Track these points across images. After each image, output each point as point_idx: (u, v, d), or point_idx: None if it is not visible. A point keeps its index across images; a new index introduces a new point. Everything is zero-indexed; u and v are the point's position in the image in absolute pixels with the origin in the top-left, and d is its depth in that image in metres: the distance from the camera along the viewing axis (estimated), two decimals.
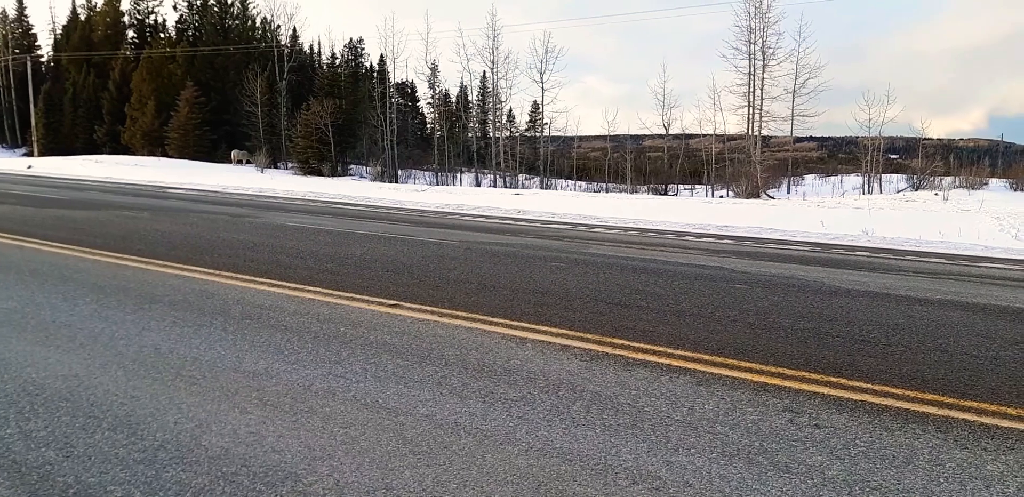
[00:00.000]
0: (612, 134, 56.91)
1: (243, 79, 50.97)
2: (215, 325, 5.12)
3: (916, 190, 39.57)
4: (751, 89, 42.80)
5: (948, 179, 43.15)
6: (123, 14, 63.17)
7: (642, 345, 4.92)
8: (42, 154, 52.72)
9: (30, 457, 2.99)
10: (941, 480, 3.02)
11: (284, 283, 6.69)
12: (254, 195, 22.19)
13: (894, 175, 50.96)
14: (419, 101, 67.80)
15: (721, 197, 39.10)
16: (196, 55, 54.92)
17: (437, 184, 45.68)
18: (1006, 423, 3.70)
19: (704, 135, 53.62)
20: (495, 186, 46.58)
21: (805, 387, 4.16)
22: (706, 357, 4.69)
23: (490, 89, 55.90)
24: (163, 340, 4.72)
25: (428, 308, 5.85)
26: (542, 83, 50.35)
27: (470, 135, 61.03)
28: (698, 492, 2.84)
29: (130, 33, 63.46)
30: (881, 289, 7.65)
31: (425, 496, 2.74)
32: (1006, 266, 10.45)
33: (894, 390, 4.15)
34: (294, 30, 59.40)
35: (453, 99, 61.83)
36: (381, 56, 58.18)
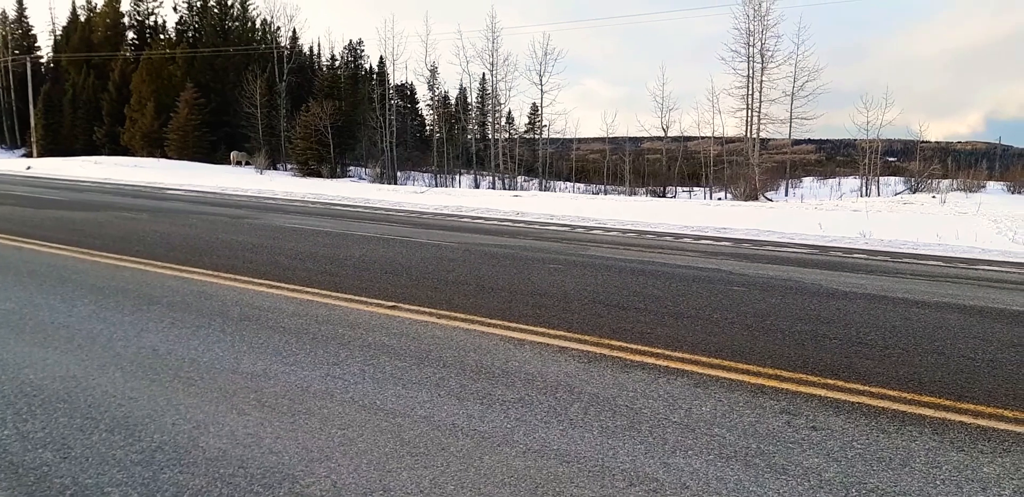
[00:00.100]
0: (611, 136, 57.05)
1: (243, 81, 50.98)
2: (213, 326, 5.12)
3: (914, 193, 39.63)
4: (750, 92, 42.89)
5: (946, 182, 43.21)
6: (123, 15, 63.20)
7: (640, 347, 4.93)
8: (41, 155, 52.68)
9: (27, 458, 2.99)
10: (938, 482, 3.03)
11: (283, 284, 6.70)
12: (253, 196, 22.19)
13: (892, 178, 51.05)
14: (418, 103, 67.92)
15: (719, 199, 39.13)
16: (196, 56, 54.93)
17: (436, 186, 45.70)
18: (1003, 425, 3.70)
19: (702, 137, 53.79)
20: (494, 188, 46.61)
21: (802, 389, 4.17)
22: (704, 359, 4.70)
23: (489, 91, 56.00)
24: (161, 341, 4.72)
25: (426, 310, 5.85)
26: (541, 85, 50.47)
27: (469, 137, 61.10)
28: (695, 494, 2.85)
29: (130, 34, 63.48)
30: (878, 291, 7.66)
31: None
32: (1003, 269, 10.46)
33: (891, 392, 4.16)
34: (294, 32, 59.46)
35: (452, 101, 61.95)
36: (381, 58, 58.31)
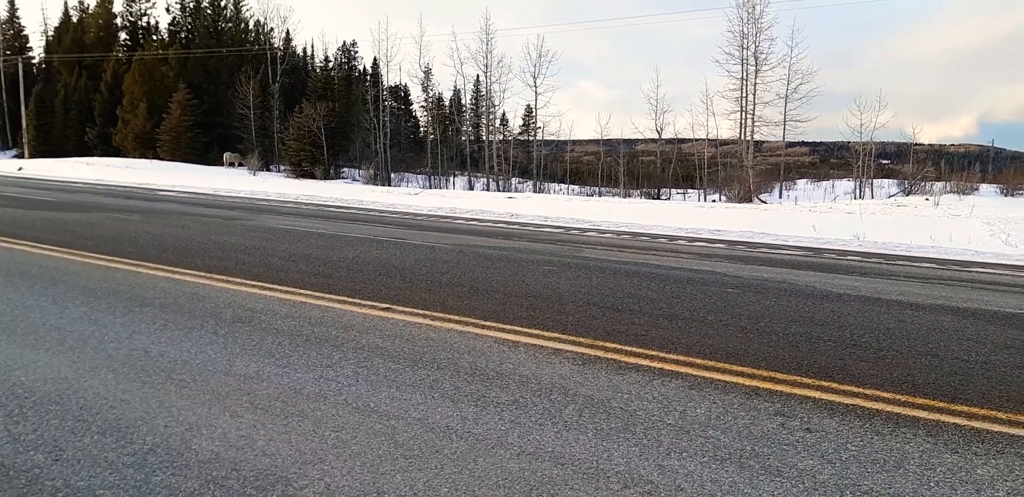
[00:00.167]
0: (605, 138, 57.12)
1: (236, 82, 50.87)
2: (206, 328, 5.10)
3: (907, 195, 39.78)
4: (744, 94, 43.01)
5: (939, 184, 43.38)
6: (115, 16, 62.96)
7: (634, 349, 4.92)
8: (33, 156, 52.46)
9: (19, 460, 2.96)
10: (931, 484, 3.03)
11: (276, 286, 6.67)
12: (246, 198, 22.13)
13: (885, 180, 51.24)
14: (412, 104, 67.84)
15: (713, 201, 39.17)
16: (189, 57, 54.79)
17: (430, 187, 45.71)
18: (996, 427, 3.71)
19: (697, 140, 53.80)
20: (488, 190, 46.59)
21: (797, 391, 4.17)
22: (698, 361, 4.70)
23: (483, 93, 56.00)
24: (153, 343, 4.70)
25: (420, 311, 5.84)
26: (535, 87, 50.52)
27: (463, 139, 61.04)
28: (690, 496, 2.84)
29: (122, 35, 63.27)
30: (872, 294, 7.67)
31: None
32: (997, 271, 10.49)
33: (885, 394, 4.16)
34: (287, 33, 59.28)
35: (446, 102, 61.84)
36: (375, 59, 58.15)
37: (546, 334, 5.25)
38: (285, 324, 5.30)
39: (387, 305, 6.03)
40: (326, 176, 47.12)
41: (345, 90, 55.75)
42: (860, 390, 4.22)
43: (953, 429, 3.67)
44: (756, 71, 42.56)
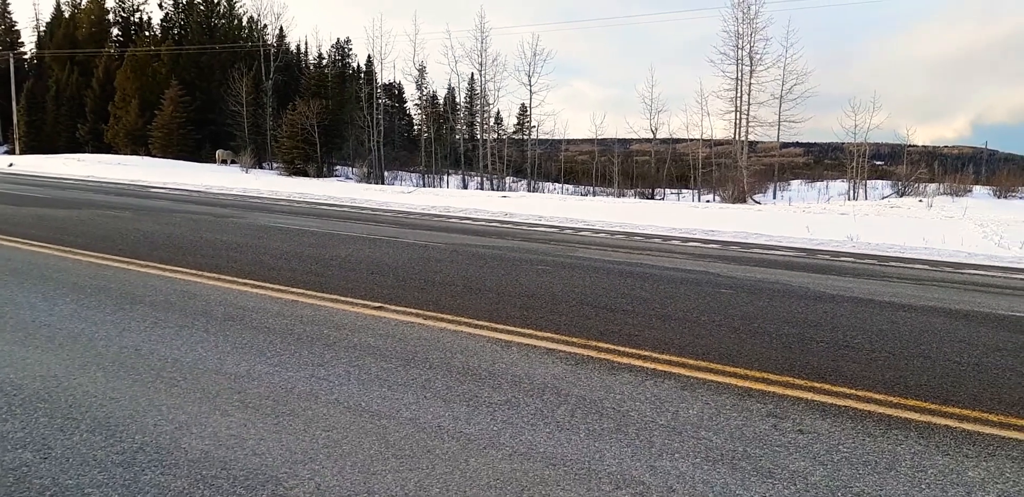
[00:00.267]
0: (600, 138, 57.13)
1: (229, 78, 50.70)
2: (197, 326, 5.08)
3: (901, 196, 39.87)
4: (738, 94, 43.05)
5: (932, 186, 43.49)
6: (108, 12, 62.73)
7: (627, 349, 4.92)
8: (24, 152, 52.19)
9: (6, 458, 2.94)
10: (923, 486, 3.03)
11: (267, 284, 6.65)
12: (238, 195, 22.06)
13: (879, 181, 51.34)
14: (406, 102, 67.79)
15: (707, 202, 39.24)
16: (181, 54, 54.60)
17: (424, 186, 45.61)
18: (987, 430, 3.72)
19: (691, 140, 53.95)
20: (482, 188, 46.58)
21: (789, 392, 4.17)
22: (691, 362, 4.70)
23: (478, 91, 55.97)
24: (144, 341, 4.67)
25: (413, 311, 5.82)
26: (530, 86, 50.47)
27: (457, 137, 60.99)
28: None
29: (115, 31, 63.05)
30: (865, 295, 7.69)
31: None
32: (989, 273, 10.53)
33: (877, 396, 4.17)
34: (281, 30, 59.19)
35: (441, 101, 61.89)
36: (368, 57, 58.13)
37: (539, 334, 5.24)
38: (277, 322, 5.28)
39: (379, 304, 6.01)
40: (319, 174, 47.00)
41: (339, 88, 55.65)
42: (852, 391, 4.23)
43: (944, 431, 3.68)
44: (751, 71, 42.63)
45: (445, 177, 53.75)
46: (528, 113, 55.32)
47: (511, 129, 61.86)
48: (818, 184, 59.44)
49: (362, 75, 59.34)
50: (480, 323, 5.49)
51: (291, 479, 2.84)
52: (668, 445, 3.33)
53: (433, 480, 2.88)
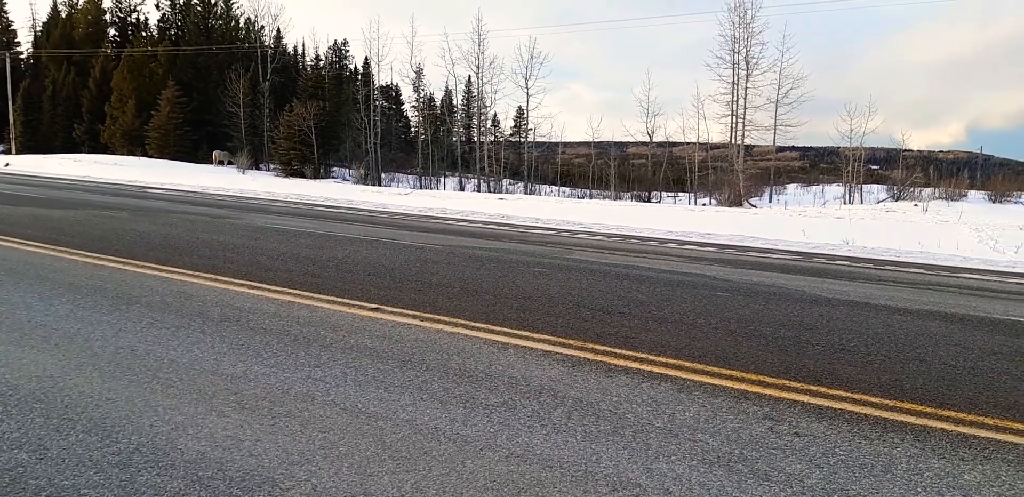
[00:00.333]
0: (596, 141, 57.19)
1: (226, 79, 50.64)
2: (193, 327, 5.07)
3: (896, 201, 39.93)
4: (734, 98, 43.13)
5: (928, 190, 43.55)
6: (104, 12, 62.60)
7: (624, 351, 4.92)
8: (20, 152, 52.08)
9: (2, 459, 2.93)
10: (919, 489, 3.03)
11: (264, 285, 6.64)
12: (235, 196, 22.04)
13: (875, 185, 51.42)
14: (403, 104, 67.74)
15: (704, 205, 39.28)
16: (178, 54, 54.53)
17: (421, 188, 45.65)
18: (983, 433, 3.72)
19: (688, 143, 53.95)
20: (479, 191, 46.58)
21: (785, 395, 4.17)
22: (687, 364, 4.70)
23: (475, 93, 56.01)
24: (140, 341, 4.66)
25: (410, 312, 5.82)
26: (527, 88, 50.51)
27: (454, 139, 61.02)
28: None
29: (111, 31, 62.92)
30: (861, 298, 7.70)
31: None
32: (984, 277, 10.56)
33: (873, 399, 4.17)
34: (278, 31, 59.16)
35: (438, 103, 61.83)
36: (366, 59, 58.18)
37: (536, 336, 5.24)
38: (273, 323, 5.27)
39: (376, 305, 6.00)
40: (316, 175, 46.97)
41: (336, 89, 55.63)
42: (848, 394, 4.23)
43: (940, 434, 3.68)
44: (747, 75, 42.73)
45: (442, 179, 53.77)
46: (525, 116, 55.34)
47: (508, 131, 61.88)
48: (814, 188, 59.49)
49: (359, 77, 59.31)
50: (477, 325, 5.49)
51: (287, 480, 2.84)
52: (664, 447, 3.33)
53: (430, 482, 2.88)
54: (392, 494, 2.76)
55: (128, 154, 49.49)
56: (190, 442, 3.15)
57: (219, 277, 6.94)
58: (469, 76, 57.87)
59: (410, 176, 53.49)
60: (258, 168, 50.96)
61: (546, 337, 5.22)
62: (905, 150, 52.65)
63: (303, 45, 65.74)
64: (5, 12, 69.83)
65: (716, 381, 4.38)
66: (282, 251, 9.11)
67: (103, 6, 62.39)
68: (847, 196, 45.84)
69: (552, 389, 4.08)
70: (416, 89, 56.82)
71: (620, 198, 46.16)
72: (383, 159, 52.04)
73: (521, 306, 6.34)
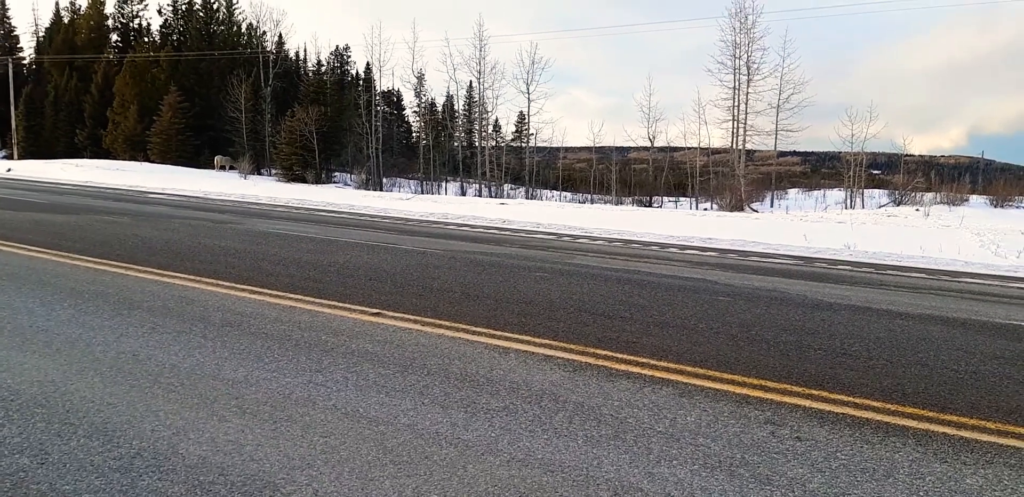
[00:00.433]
0: (598, 146, 57.19)
1: (227, 85, 50.80)
2: (195, 332, 5.07)
3: (898, 205, 39.96)
4: (736, 103, 43.22)
5: (929, 195, 43.61)
6: (107, 18, 62.83)
7: (625, 356, 4.92)
8: (22, 157, 52.23)
9: (3, 464, 2.93)
10: (921, 493, 3.03)
11: (265, 290, 6.64)
12: (237, 201, 22.06)
13: (876, 190, 51.45)
14: (405, 110, 67.96)
15: (705, 210, 39.30)
16: (180, 60, 54.70)
17: (422, 193, 45.68)
18: (985, 437, 3.72)
19: (689, 148, 54.02)
20: (480, 195, 46.59)
21: (787, 400, 4.17)
22: (689, 369, 4.70)
23: (476, 99, 56.14)
24: (141, 346, 4.66)
25: (411, 317, 5.82)
26: (528, 94, 50.59)
27: (456, 144, 61.07)
28: None
29: (114, 37, 63.16)
30: (863, 303, 7.70)
31: None
32: (986, 281, 10.55)
33: (875, 403, 4.17)
34: (280, 37, 59.35)
35: (439, 108, 61.96)
36: (367, 64, 58.36)
37: (537, 340, 5.24)
38: (275, 328, 5.27)
39: (377, 310, 6.00)
40: (317, 180, 47.04)
41: (337, 94, 55.76)
42: (850, 399, 4.23)
43: (942, 438, 3.68)
44: (748, 80, 42.82)
45: (443, 184, 53.83)
46: (526, 121, 55.46)
47: (509, 137, 62.00)
48: (815, 193, 59.55)
49: (361, 82, 59.48)
50: (478, 329, 5.49)
51: (289, 485, 2.84)
52: (666, 452, 3.32)
53: (431, 486, 2.88)
54: None
55: (130, 159, 49.60)
56: (191, 447, 3.15)
57: (221, 282, 6.94)
58: (470, 81, 58.01)
59: (411, 181, 53.56)
60: (260, 173, 51.05)
61: (547, 342, 5.22)
62: (906, 155, 52.78)
63: (305, 50, 65.88)
64: (8, 18, 70.19)
65: (717, 386, 4.37)
66: (284, 256, 9.12)
67: (105, 12, 62.64)
68: (848, 201, 45.87)
69: (553, 394, 4.08)
70: (417, 94, 56.96)
71: (621, 203, 46.19)
72: (384, 164, 52.12)
73: (522, 311, 6.34)
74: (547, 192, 55.59)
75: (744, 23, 41.99)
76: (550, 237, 14.82)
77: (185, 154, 50.75)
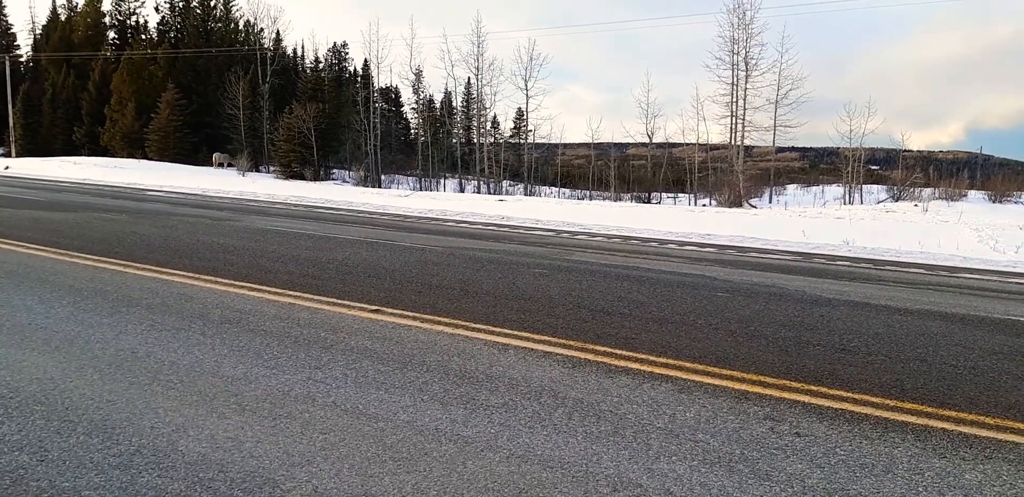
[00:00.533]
0: (596, 142, 57.16)
1: (225, 82, 50.68)
2: (194, 329, 5.07)
3: (896, 201, 39.92)
4: (734, 99, 43.16)
5: (928, 190, 43.53)
6: (104, 15, 62.60)
7: (624, 352, 4.92)
8: (20, 155, 52.10)
9: (3, 461, 2.93)
10: (920, 489, 3.03)
11: (264, 287, 6.64)
12: (235, 198, 22.04)
13: (875, 186, 51.40)
14: (403, 106, 67.86)
15: (704, 206, 39.28)
16: (178, 57, 54.56)
17: (421, 189, 45.66)
18: (984, 432, 3.72)
19: (687, 144, 53.94)
20: (479, 192, 46.59)
21: (786, 395, 4.17)
22: (688, 365, 4.70)
23: (475, 95, 56.03)
24: (140, 344, 4.66)
25: (410, 314, 5.82)
26: (527, 90, 50.53)
27: (454, 141, 61.03)
28: None
29: (111, 34, 62.92)
30: (862, 299, 7.70)
31: None
32: (985, 277, 10.56)
33: (874, 399, 4.17)
34: (277, 33, 59.17)
35: (437, 105, 61.82)
36: (365, 61, 58.18)
37: (536, 337, 5.24)
38: (274, 325, 5.27)
39: (377, 307, 6.00)
40: (316, 177, 46.98)
41: (335, 91, 55.66)
42: (849, 394, 4.23)
43: (941, 434, 3.68)
44: (747, 76, 42.76)
45: (442, 181, 53.79)
46: (525, 117, 55.35)
47: (508, 133, 61.86)
48: (814, 188, 59.45)
49: (359, 79, 59.35)
50: (477, 326, 5.49)
51: (288, 481, 2.84)
52: (665, 448, 3.33)
53: (430, 482, 2.88)
54: (393, 495, 2.76)
55: (128, 157, 49.50)
56: (191, 444, 3.15)
57: (219, 279, 6.94)
58: (469, 78, 57.89)
59: (410, 178, 53.52)
60: (258, 170, 50.98)
61: (546, 338, 5.22)
62: (905, 150, 52.66)
63: (302, 47, 65.69)
64: (4, 15, 69.87)
65: (716, 381, 4.38)
66: (282, 253, 9.12)
67: (102, 9, 62.40)
68: (847, 196, 45.85)
69: (553, 390, 4.08)
70: (416, 91, 56.91)
71: (620, 199, 46.15)
72: (383, 161, 52.07)
73: (521, 307, 6.34)
74: (546, 188, 55.55)
75: (742, 19, 41.92)
76: (549, 233, 14.81)
77: (183, 151, 50.63)
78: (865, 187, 48.32)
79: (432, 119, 58.73)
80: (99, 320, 5.21)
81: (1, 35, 69.46)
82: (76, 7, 64.56)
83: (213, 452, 3.07)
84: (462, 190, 49.19)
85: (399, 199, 25.58)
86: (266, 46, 56.94)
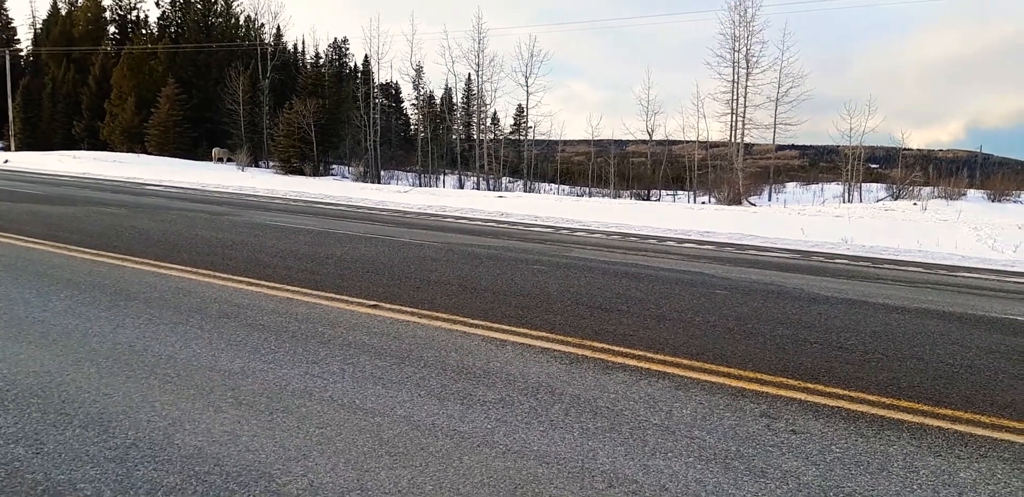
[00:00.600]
0: (596, 139, 57.20)
1: (225, 77, 50.67)
2: (191, 323, 5.07)
3: (895, 199, 39.93)
4: (734, 97, 43.18)
5: (927, 189, 43.51)
6: (104, 9, 62.59)
7: (622, 349, 4.92)
8: (19, 149, 52.07)
9: None
10: (915, 487, 3.04)
11: (262, 282, 6.64)
12: (234, 193, 22.02)
13: (874, 184, 51.42)
14: (403, 102, 67.79)
15: (703, 203, 39.26)
16: (178, 52, 54.52)
17: (420, 185, 45.63)
18: (979, 431, 3.73)
19: (687, 142, 53.94)
20: (478, 188, 46.59)
21: (782, 393, 4.18)
22: (685, 362, 4.70)
23: (475, 91, 56.06)
24: (138, 337, 4.66)
25: (408, 309, 5.82)
26: (527, 87, 50.55)
27: (454, 137, 61.02)
28: (674, 496, 2.84)
29: (111, 28, 62.94)
30: (859, 297, 7.71)
31: None
32: (983, 276, 10.56)
33: (870, 397, 4.18)
34: (278, 29, 59.20)
35: (437, 101, 61.82)
36: (365, 56, 58.27)
37: (534, 333, 5.24)
38: (271, 320, 5.27)
39: (375, 302, 6.00)
40: (315, 173, 46.97)
41: (336, 87, 55.62)
42: (845, 392, 4.24)
43: (937, 432, 3.69)
44: (747, 74, 42.79)
45: (441, 177, 53.78)
46: (525, 114, 55.37)
47: (508, 130, 61.94)
48: (813, 187, 59.49)
49: (359, 75, 59.35)
50: (475, 322, 5.49)
51: (284, 475, 2.84)
52: (661, 444, 3.33)
53: (426, 477, 2.88)
54: (389, 489, 2.77)
55: (127, 151, 49.43)
56: (187, 437, 3.15)
57: (217, 273, 6.94)
58: (469, 74, 57.95)
59: (409, 174, 53.52)
60: (257, 165, 50.98)
61: (544, 334, 5.22)
62: (904, 149, 52.67)
63: (303, 43, 65.87)
64: (5, 10, 69.80)
65: (713, 378, 4.38)
66: (281, 248, 9.11)
67: (103, 4, 62.42)
68: (846, 195, 45.87)
69: (550, 386, 4.09)
70: (416, 87, 56.91)
71: (619, 196, 46.18)
72: (383, 157, 52.06)
73: (519, 303, 6.34)
74: (545, 185, 55.56)
75: (743, 16, 41.96)
76: (548, 230, 14.81)
77: (183, 146, 50.61)
78: (864, 185, 48.36)
79: (432, 115, 58.70)
80: (96, 314, 5.21)
81: (1, 29, 69.36)
82: (76, 2, 64.54)
83: (209, 446, 3.08)
84: (461, 186, 49.19)
85: (398, 195, 25.57)
86: (266, 41, 56.96)
